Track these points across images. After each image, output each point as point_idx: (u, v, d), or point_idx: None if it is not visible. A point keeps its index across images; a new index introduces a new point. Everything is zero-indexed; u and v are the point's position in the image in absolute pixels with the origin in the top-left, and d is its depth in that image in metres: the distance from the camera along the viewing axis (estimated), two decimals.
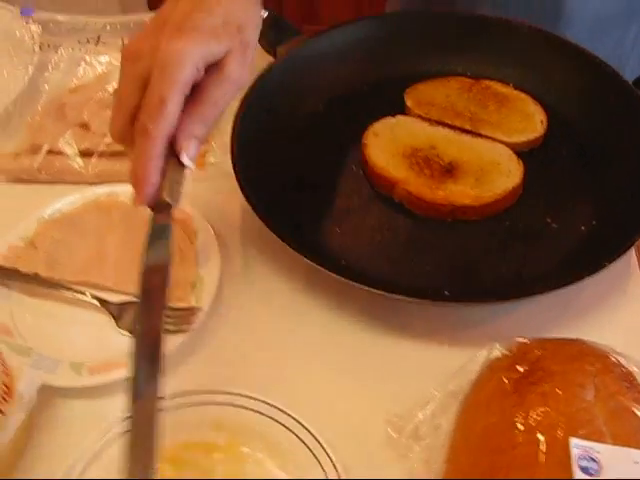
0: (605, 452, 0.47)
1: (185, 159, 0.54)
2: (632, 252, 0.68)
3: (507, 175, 0.70)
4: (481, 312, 0.64)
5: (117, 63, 0.82)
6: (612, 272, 0.63)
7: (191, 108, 0.53)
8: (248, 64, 0.56)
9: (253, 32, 0.58)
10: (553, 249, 0.67)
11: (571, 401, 0.49)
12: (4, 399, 0.54)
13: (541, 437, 0.47)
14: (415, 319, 0.64)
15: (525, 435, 0.48)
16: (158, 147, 0.52)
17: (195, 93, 0.53)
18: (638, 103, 0.73)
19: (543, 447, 0.47)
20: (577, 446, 0.46)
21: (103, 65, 0.82)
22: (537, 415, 0.49)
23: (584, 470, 0.45)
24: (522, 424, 0.48)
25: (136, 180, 0.53)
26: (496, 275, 0.65)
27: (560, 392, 0.50)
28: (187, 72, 0.52)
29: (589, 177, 0.73)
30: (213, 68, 0.54)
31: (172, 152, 0.54)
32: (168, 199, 0.54)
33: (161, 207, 0.54)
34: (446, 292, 0.61)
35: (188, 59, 0.51)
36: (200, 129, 0.54)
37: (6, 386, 0.55)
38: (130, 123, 0.54)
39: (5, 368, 0.56)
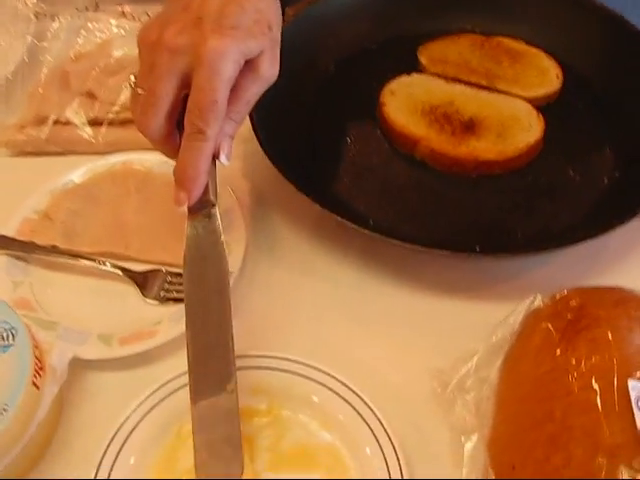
0: None
1: (223, 158, 0.54)
2: None
3: (528, 130, 0.70)
4: (514, 266, 0.63)
5: (117, 30, 0.80)
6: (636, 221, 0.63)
7: (227, 106, 0.53)
8: (277, 61, 0.56)
9: (279, 29, 0.57)
10: (578, 201, 0.67)
11: (621, 345, 0.49)
12: (38, 373, 0.53)
13: (596, 382, 0.47)
14: (450, 275, 0.63)
15: (579, 381, 0.48)
16: (211, 148, 0.52)
17: (230, 91, 0.53)
18: None
19: (599, 392, 0.46)
20: (635, 388, 0.46)
21: (104, 32, 0.80)
22: (590, 361, 0.48)
23: None
24: (575, 370, 0.48)
25: (185, 180, 0.53)
26: (525, 229, 0.64)
27: (610, 337, 0.49)
28: (232, 71, 0.51)
29: (607, 129, 0.72)
30: (246, 66, 0.53)
31: None
32: (212, 198, 0.54)
33: (200, 206, 0.54)
34: (477, 247, 0.60)
35: (231, 58, 0.51)
36: (233, 127, 0.55)
37: (38, 360, 0.53)
38: (168, 119, 0.54)
39: (36, 342, 0.54)
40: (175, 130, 0.55)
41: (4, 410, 0.49)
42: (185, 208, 0.54)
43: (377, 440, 0.52)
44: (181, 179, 0.53)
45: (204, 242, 0.54)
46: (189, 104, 0.52)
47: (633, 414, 0.45)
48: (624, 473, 0.42)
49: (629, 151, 0.70)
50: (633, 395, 0.46)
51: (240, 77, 0.53)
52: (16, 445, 0.51)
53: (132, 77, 0.57)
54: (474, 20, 0.81)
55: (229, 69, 0.51)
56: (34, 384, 0.52)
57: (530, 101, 0.72)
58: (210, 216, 0.55)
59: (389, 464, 0.51)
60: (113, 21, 0.80)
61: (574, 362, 0.49)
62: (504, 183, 0.68)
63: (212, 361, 0.51)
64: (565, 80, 0.75)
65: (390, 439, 0.52)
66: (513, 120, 0.70)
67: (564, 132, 0.72)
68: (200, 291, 0.53)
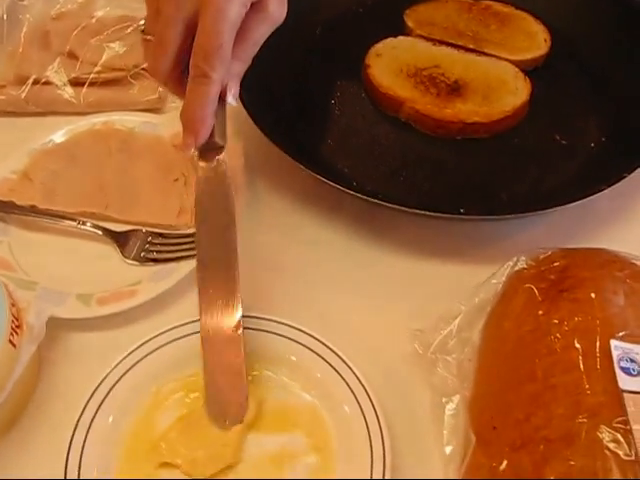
0: None
1: (230, 98, 0.54)
2: None
3: (514, 93, 0.69)
4: (499, 229, 0.63)
5: None
6: (623, 186, 0.63)
7: (234, 47, 0.53)
8: (285, 1, 0.56)
9: None
10: (565, 165, 0.66)
11: (604, 305, 0.49)
12: (14, 331, 0.52)
13: (578, 342, 0.47)
14: (434, 238, 0.63)
15: (562, 341, 0.47)
16: (216, 92, 0.52)
17: (237, 32, 0.52)
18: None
19: (581, 351, 0.46)
20: (617, 348, 0.46)
21: None
22: (572, 321, 0.48)
23: (625, 370, 0.45)
24: (558, 331, 0.48)
25: (191, 123, 0.53)
26: (510, 192, 0.64)
27: (593, 297, 0.49)
28: (237, 14, 0.51)
29: (595, 94, 0.72)
30: (254, 7, 0.53)
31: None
32: (219, 140, 0.54)
33: (209, 149, 0.55)
34: (461, 209, 0.60)
35: (237, 0, 0.51)
36: (241, 67, 0.55)
37: (15, 318, 0.53)
38: (175, 65, 0.54)
39: (13, 300, 0.54)
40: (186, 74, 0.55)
41: None
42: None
43: (356, 399, 0.51)
44: (187, 122, 0.53)
45: (212, 183, 0.55)
46: (194, 47, 0.52)
47: (615, 374, 0.45)
48: (605, 432, 0.42)
49: (616, 117, 0.69)
50: (615, 355, 0.46)
51: (247, 18, 0.53)
52: None
53: (142, 22, 0.57)
54: None
55: (234, 12, 0.51)
56: (11, 342, 0.51)
57: (517, 64, 0.72)
58: (218, 159, 0.55)
59: (368, 423, 0.50)
60: None
61: (556, 322, 0.48)
62: (490, 146, 0.68)
63: (218, 286, 0.53)
64: (553, 44, 0.75)
65: (370, 399, 0.51)
66: (499, 83, 0.69)
67: (551, 96, 0.72)
68: (209, 228, 0.54)
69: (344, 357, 0.53)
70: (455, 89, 0.69)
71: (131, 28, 0.73)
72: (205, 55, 0.51)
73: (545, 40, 0.74)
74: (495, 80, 0.70)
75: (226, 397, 0.52)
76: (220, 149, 0.55)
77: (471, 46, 0.73)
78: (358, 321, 0.58)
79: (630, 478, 0.40)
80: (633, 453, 0.41)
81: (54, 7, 0.77)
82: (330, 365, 0.54)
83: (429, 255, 0.62)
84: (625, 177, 0.59)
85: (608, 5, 0.75)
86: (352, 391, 0.52)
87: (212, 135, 0.54)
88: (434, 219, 0.61)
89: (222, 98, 0.54)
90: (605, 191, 0.58)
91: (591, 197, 0.58)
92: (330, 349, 0.54)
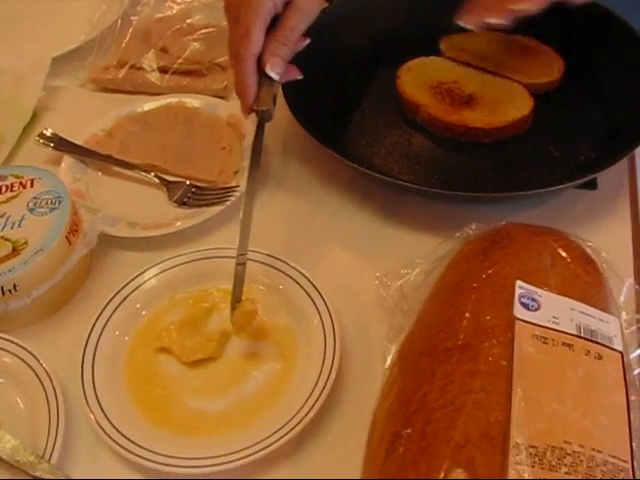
0: (546, 297, 0.55)
1: (269, 70, 0.68)
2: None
3: (518, 108, 0.79)
4: (478, 214, 0.70)
5: (196, 3, 0.97)
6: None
7: (272, 34, 0.69)
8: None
9: None
10: (551, 172, 0.75)
11: (528, 261, 0.58)
12: (72, 233, 0.68)
13: (495, 282, 0.56)
14: (421, 214, 0.74)
15: (483, 281, 0.57)
16: (248, 65, 0.68)
17: (276, 22, 0.69)
18: None
19: (493, 289, 0.56)
20: (521, 287, 0.55)
21: (185, 3, 0.97)
22: (496, 267, 0.58)
23: (524, 305, 0.54)
24: (483, 273, 0.58)
25: (238, 94, 0.69)
26: (494, 187, 0.74)
27: (519, 253, 0.59)
28: (266, 6, 0.67)
29: (596, 121, 0.80)
30: (288, 2, 0.69)
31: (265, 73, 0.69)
32: (264, 107, 0.69)
33: (264, 117, 0.69)
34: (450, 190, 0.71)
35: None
36: (281, 48, 0.69)
37: (75, 224, 0.69)
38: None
39: (76, 211, 0.70)
40: None
41: (41, 250, 0.65)
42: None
43: (323, 326, 0.63)
44: (237, 93, 0.70)
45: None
46: (230, 35, 0.69)
47: (514, 306, 0.54)
48: (494, 345, 0.52)
49: (610, 139, 0.78)
50: (518, 292, 0.55)
51: (283, 11, 0.69)
52: (48, 281, 0.66)
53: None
54: None
55: (264, 4, 0.67)
56: (67, 239, 0.67)
57: (528, 87, 0.82)
58: (260, 124, 0.70)
59: (327, 341, 0.62)
60: None
61: (485, 268, 0.58)
62: (488, 150, 0.78)
63: None
64: (568, 75, 0.84)
65: (333, 326, 0.62)
66: (507, 98, 0.80)
67: (555, 116, 0.81)
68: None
69: (321, 290, 0.65)
70: (467, 101, 0.80)
71: (214, 32, 0.91)
72: (238, 39, 0.67)
73: (558, 70, 0.83)
74: (503, 97, 0.80)
75: None
76: (263, 113, 0.69)
77: (491, 68, 0.84)
78: (341, 267, 0.71)
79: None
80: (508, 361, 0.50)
81: (158, 13, 0.96)
82: (309, 295, 0.65)
83: (415, 228, 0.73)
84: (588, 176, 0.68)
85: (624, 48, 0.84)
86: (322, 320, 0.63)
87: (257, 103, 0.68)
88: (432, 201, 0.73)
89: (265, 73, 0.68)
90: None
91: (553, 188, 0.68)
92: (311, 283, 0.66)
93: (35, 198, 0.68)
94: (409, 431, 0.49)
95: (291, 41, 0.70)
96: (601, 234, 0.70)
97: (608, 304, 0.58)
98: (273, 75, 0.69)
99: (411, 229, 0.73)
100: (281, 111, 0.74)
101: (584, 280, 0.59)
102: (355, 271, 0.70)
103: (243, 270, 0.64)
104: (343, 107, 0.84)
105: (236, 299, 0.63)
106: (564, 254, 0.60)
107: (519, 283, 0.55)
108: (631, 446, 0.48)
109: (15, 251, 0.64)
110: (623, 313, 0.60)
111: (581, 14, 0.85)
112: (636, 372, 0.56)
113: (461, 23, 0.72)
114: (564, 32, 0.87)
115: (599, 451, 0.46)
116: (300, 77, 0.74)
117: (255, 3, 0.66)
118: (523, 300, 0.55)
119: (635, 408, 0.51)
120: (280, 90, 0.75)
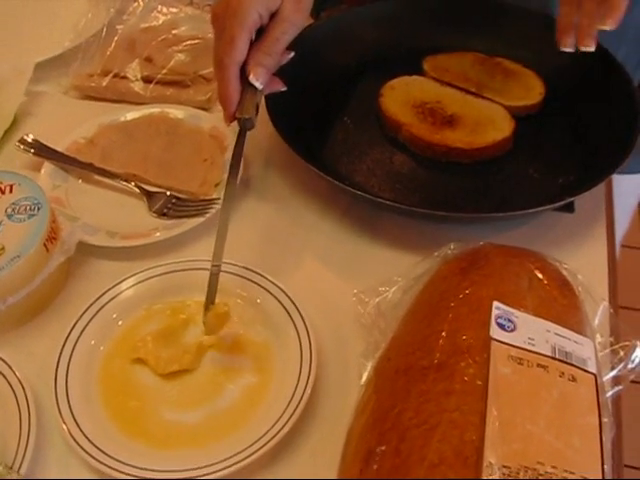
0: (523, 318, 0.56)
1: (253, 79, 0.69)
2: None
3: (498, 129, 0.80)
4: (458, 233, 0.71)
5: (183, 14, 0.97)
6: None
7: (257, 44, 0.69)
8: (302, 9, 0.72)
9: None
10: (530, 194, 0.76)
11: (506, 282, 0.59)
12: (50, 241, 0.67)
13: (472, 303, 0.57)
14: (401, 232, 0.75)
15: (459, 301, 0.58)
16: (231, 72, 0.68)
17: (261, 32, 0.70)
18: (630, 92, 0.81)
19: (469, 309, 0.56)
20: (498, 307, 0.56)
21: (171, 14, 0.97)
22: (474, 287, 0.58)
23: (500, 326, 0.55)
24: (460, 293, 0.58)
25: (221, 101, 0.70)
26: (474, 208, 0.75)
27: (499, 275, 0.59)
28: (251, 17, 0.68)
29: (574, 145, 0.82)
30: (273, 14, 0.70)
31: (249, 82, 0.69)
32: (246, 115, 0.69)
33: (246, 125, 0.70)
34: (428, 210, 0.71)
35: (251, 7, 0.68)
36: (265, 58, 0.70)
37: (53, 231, 0.68)
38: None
39: (55, 218, 0.69)
40: None
41: (17, 257, 0.64)
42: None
43: (300, 342, 0.63)
44: (219, 101, 0.70)
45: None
46: (215, 45, 0.70)
47: (490, 326, 0.55)
48: (470, 365, 0.52)
49: (588, 162, 0.79)
50: (495, 313, 0.55)
51: (268, 22, 0.70)
52: (24, 288, 0.65)
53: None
54: (484, 43, 0.92)
55: (248, 16, 0.67)
56: (45, 246, 0.66)
57: (510, 109, 0.83)
58: (242, 132, 0.70)
59: (303, 360, 0.61)
60: (181, 7, 0.97)
61: (462, 288, 0.59)
62: (469, 170, 0.79)
63: None
64: (549, 99, 0.85)
65: (310, 341, 0.62)
66: (488, 120, 0.81)
67: (535, 139, 0.82)
68: None
69: (298, 305, 0.65)
70: (449, 121, 0.81)
71: (200, 43, 0.91)
72: (222, 47, 0.67)
73: (540, 93, 0.85)
74: (485, 118, 0.81)
75: None
76: (245, 121, 0.69)
77: (473, 90, 0.85)
78: (320, 282, 0.71)
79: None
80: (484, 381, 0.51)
81: (144, 22, 0.96)
82: (286, 310, 0.65)
83: (394, 246, 0.74)
84: (566, 199, 0.69)
85: (604, 75, 0.85)
86: (298, 335, 0.63)
87: (240, 111, 0.69)
88: (411, 219, 0.74)
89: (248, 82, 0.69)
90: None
91: (531, 210, 0.69)
92: (289, 298, 0.66)
93: (14, 204, 0.68)
94: (383, 448, 0.49)
95: (275, 52, 0.70)
96: (578, 257, 0.71)
97: (583, 326, 0.58)
98: (257, 84, 0.69)
99: (390, 247, 0.74)
100: (263, 125, 0.75)
101: (560, 302, 0.60)
102: (333, 287, 0.70)
103: (217, 272, 0.64)
104: (326, 123, 0.85)
105: (210, 301, 0.63)
106: (541, 276, 0.61)
107: (496, 304, 0.56)
108: (602, 468, 0.48)
109: None
110: (597, 335, 0.61)
111: None
112: (609, 394, 0.57)
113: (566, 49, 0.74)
114: (546, 56, 0.88)
115: (571, 472, 0.47)
116: (284, 89, 0.74)
117: (241, 14, 0.67)
118: (499, 321, 0.55)
119: (607, 430, 0.52)
120: (263, 103, 0.75)
